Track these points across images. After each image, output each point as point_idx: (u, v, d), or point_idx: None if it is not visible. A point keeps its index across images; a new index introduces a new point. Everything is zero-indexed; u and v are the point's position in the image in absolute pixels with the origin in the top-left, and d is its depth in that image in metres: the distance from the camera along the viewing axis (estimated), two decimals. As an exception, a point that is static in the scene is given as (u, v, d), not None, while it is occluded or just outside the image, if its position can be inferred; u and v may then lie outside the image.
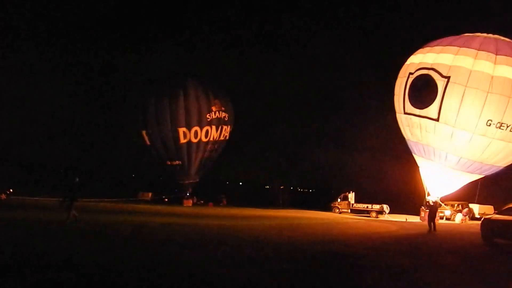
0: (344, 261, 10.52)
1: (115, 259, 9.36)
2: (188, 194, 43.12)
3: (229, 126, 42.36)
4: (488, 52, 25.48)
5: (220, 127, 41.11)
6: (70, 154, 57.47)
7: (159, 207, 34.92)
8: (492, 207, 32.10)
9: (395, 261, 10.81)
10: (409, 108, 27.79)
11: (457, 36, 27.39)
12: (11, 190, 34.16)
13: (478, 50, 25.61)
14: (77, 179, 17.57)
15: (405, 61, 29.27)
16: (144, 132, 40.06)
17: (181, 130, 39.34)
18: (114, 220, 19.61)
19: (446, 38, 27.64)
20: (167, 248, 11.67)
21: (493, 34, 26.85)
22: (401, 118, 28.97)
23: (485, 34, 26.85)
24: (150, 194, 46.55)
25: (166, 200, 44.07)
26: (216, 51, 59.85)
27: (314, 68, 58.11)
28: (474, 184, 29.92)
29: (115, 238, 13.30)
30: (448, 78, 25.68)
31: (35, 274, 7.59)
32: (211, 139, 40.69)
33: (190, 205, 41.58)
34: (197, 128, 39.69)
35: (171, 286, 7.30)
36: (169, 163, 41.10)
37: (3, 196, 32.15)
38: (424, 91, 26.65)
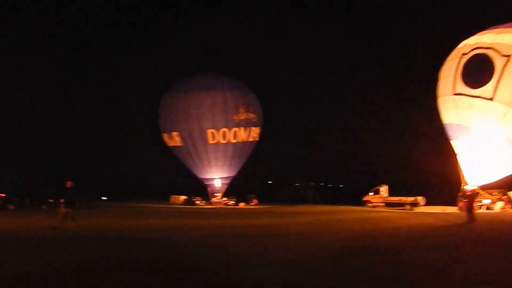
0: (385, 256, 10.36)
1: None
2: (218, 195, 43.36)
3: (258, 128, 42.39)
4: None
5: (248, 129, 41.21)
6: (100, 159, 57.96)
7: (190, 210, 35.17)
8: (533, 194, 31.18)
9: (434, 255, 10.50)
10: (461, 88, 27.16)
11: None
12: (16, 200, 34.99)
13: None
14: (71, 185, 16.67)
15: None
16: (175, 134, 40.53)
17: (210, 131, 39.62)
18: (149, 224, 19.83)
19: (505, 24, 27.10)
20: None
21: None
22: (448, 101, 28.29)
23: None
24: (181, 197, 46.95)
25: (198, 202, 44.32)
26: (244, 50, 59.10)
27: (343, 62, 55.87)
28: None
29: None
30: (508, 56, 25.24)
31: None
32: (240, 140, 40.84)
33: (222, 206, 41.75)
34: (225, 129, 39.92)
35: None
36: (199, 165, 41.45)
37: (11, 207, 32.69)
38: (479, 70, 26.17)
